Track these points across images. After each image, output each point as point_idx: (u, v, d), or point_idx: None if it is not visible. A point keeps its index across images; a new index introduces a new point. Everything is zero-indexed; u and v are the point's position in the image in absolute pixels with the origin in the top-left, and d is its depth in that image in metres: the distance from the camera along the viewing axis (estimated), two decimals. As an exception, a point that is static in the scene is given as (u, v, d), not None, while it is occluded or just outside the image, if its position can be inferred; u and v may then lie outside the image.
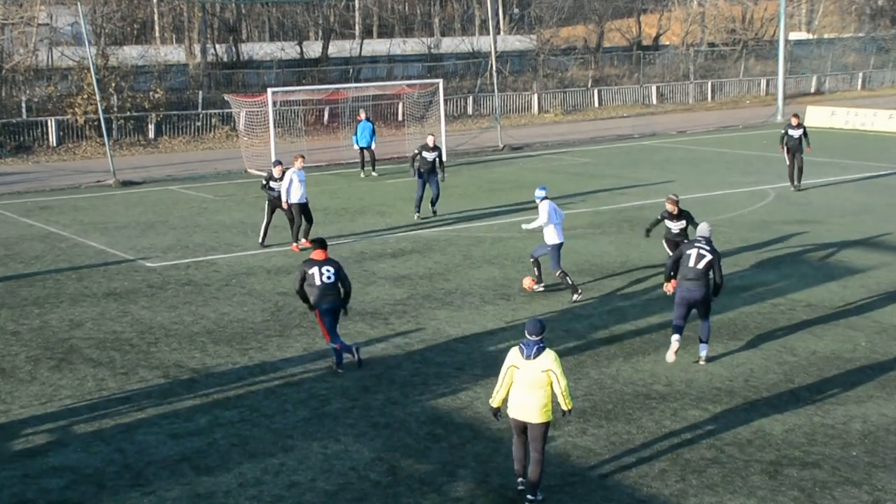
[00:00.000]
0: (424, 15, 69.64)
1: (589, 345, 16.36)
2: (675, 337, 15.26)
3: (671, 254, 16.45)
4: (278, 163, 23.90)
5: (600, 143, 44.14)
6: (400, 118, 47.53)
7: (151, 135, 45.01)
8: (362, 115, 35.24)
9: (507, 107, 53.95)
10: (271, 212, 23.79)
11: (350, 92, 42.74)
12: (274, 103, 36.88)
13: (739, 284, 19.72)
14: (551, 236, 18.97)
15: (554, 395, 11.06)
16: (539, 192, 19.31)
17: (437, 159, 26.75)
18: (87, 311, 18.70)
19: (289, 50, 56.95)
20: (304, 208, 23.43)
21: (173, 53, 55.54)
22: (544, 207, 18.99)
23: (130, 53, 49.56)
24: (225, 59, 55.22)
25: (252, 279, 20.78)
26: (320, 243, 15.71)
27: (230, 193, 32.24)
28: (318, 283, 15.21)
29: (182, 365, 15.72)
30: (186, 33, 59.10)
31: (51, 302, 19.36)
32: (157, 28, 61.27)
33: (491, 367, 15.11)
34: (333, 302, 15.27)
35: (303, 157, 24.17)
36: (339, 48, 58.39)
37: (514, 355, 11.06)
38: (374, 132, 35.02)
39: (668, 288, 16.45)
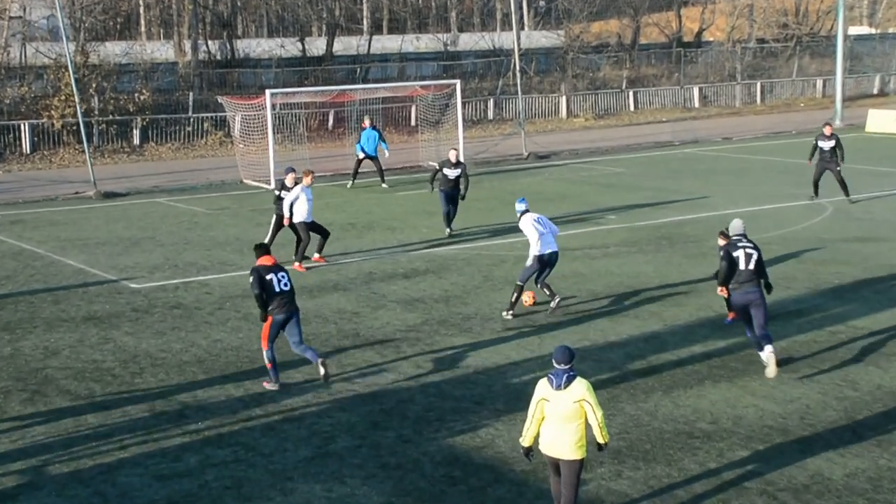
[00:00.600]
0: (440, 8, 69.85)
1: (624, 377, 16.31)
2: (769, 348, 16.06)
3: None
4: (291, 170, 24.37)
5: (636, 150, 44.10)
6: (413, 123, 47.61)
7: (136, 141, 45.20)
8: (367, 123, 35.25)
9: (531, 111, 54.01)
10: (277, 227, 24.10)
11: (357, 94, 42.80)
12: (273, 106, 36.99)
13: (793, 310, 19.64)
14: (534, 247, 19.40)
15: (588, 428, 11.18)
16: (519, 206, 19.77)
17: (461, 177, 26.65)
18: (64, 337, 18.73)
19: (289, 47, 57.17)
20: (311, 226, 23.66)
21: (161, 50, 55.82)
22: (526, 224, 19.48)
23: (113, 50, 49.80)
24: (218, 57, 55.49)
25: (248, 302, 20.78)
26: (265, 249, 16.44)
27: (224, 206, 32.32)
28: (276, 290, 15.88)
29: (170, 398, 15.72)
30: (175, 28, 59.45)
31: (23, 327, 19.40)
32: (142, 22, 61.68)
33: (514, 401, 15.07)
34: (290, 311, 15.98)
35: (313, 173, 24.20)
36: (345, 45, 58.62)
37: (542, 388, 11.19)
38: (381, 139, 35.10)
39: (724, 291, 16.74)
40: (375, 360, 17.24)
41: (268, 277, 15.88)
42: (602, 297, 20.78)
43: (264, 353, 16.00)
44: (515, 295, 19.45)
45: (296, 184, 23.82)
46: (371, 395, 15.60)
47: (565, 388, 11.02)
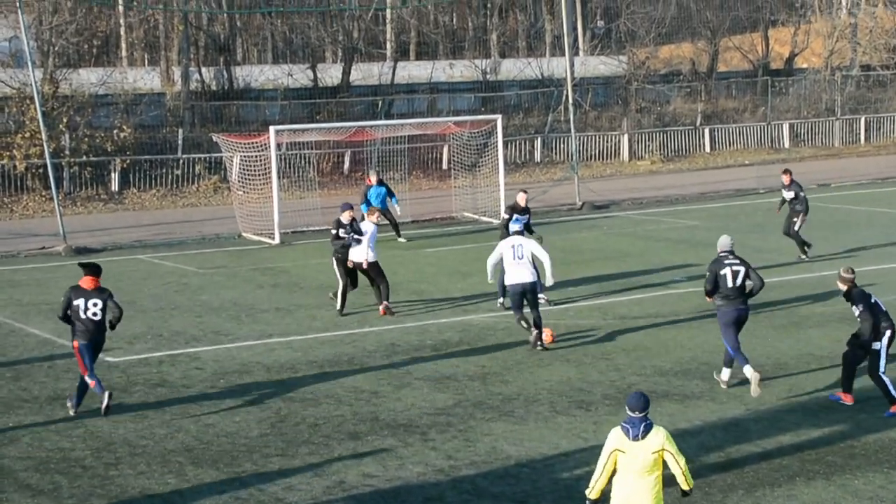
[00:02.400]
0: (478, 29, 70.32)
1: (698, 471, 16.24)
2: (748, 368, 19.17)
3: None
4: (349, 206, 26.62)
5: (712, 199, 44.11)
6: (444, 166, 47.87)
7: (115, 186, 45.57)
8: (373, 179, 35.29)
9: (587, 152, 54.17)
10: (346, 270, 25.99)
11: (379, 131, 42.91)
12: (278, 146, 37.28)
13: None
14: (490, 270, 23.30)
15: (667, 478, 12.12)
16: (512, 227, 24.00)
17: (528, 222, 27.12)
18: (26, 420, 18.83)
19: (298, 75, 57.61)
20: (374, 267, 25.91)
21: (145, 79, 56.35)
22: (501, 245, 22.93)
23: (88, 78, 50.19)
24: (214, 87, 55.93)
25: (246, 379, 20.87)
26: (93, 269, 18.71)
27: (219, 265, 32.52)
28: (81, 316, 18.38)
29: (152, 493, 15.77)
30: (163, 53, 60.03)
31: (-21, 407, 19.54)
32: (123, 46, 62.31)
33: (564, 499, 15.05)
34: (94, 339, 18.54)
35: (379, 211, 28.25)
36: (364, 73, 59.00)
37: (616, 438, 12.06)
38: (390, 194, 35.29)
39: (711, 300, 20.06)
40: (398, 449, 17.27)
41: (76, 303, 18.37)
42: (670, 374, 20.75)
43: (86, 378, 18.51)
44: (524, 323, 22.36)
45: (353, 221, 26.06)
46: (393, 492, 15.61)
47: (643, 438, 11.93)
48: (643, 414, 12.02)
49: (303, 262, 32.62)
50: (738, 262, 19.70)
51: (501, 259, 22.75)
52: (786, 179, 32.27)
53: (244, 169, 39.62)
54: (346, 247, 25.87)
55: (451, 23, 73.48)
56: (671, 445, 12.01)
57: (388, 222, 35.34)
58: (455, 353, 22.50)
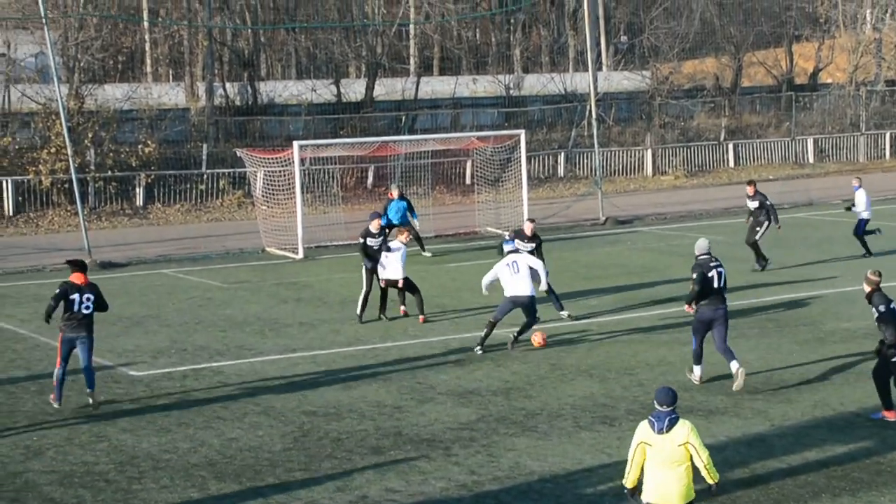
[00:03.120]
0: (501, 45, 70.34)
1: (722, 487, 16.14)
2: (698, 368, 20.84)
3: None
4: (377, 215, 27.65)
5: (736, 215, 43.95)
6: (468, 181, 47.85)
7: (139, 201, 45.71)
8: (395, 193, 35.37)
9: (610, 167, 54.12)
10: (372, 280, 26.61)
11: (402, 146, 42.94)
12: (302, 161, 37.33)
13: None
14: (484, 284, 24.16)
15: (695, 469, 12.67)
16: (506, 247, 24.42)
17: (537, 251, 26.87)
18: (49, 434, 18.87)
19: (322, 91, 57.71)
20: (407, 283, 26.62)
21: (170, 94, 56.47)
22: (497, 266, 23.83)
23: (113, 94, 50.38)
24: (238, 103, 56.05)
25: (269, 394, 20.87)
26: (81, 266, 20.04)
27: (243, 280, 32.55)
28: (75, 310, 19.60)
29: (174, 508, 15.77)
30: (187, 68, 60.25)
31: (0, 422, 19.57)
32: (148, 61, 62.53)
33: (589, 515, 14.99)
34: (81, 332, 19.67)
35: (408, 230, 28.63)
36: (388, 88, 59.06)
37: (643, 431, 12.76)
38: (411, 210, 35.32)
39: (690, 310, 21.04)
40: (421, 464, 17.23)
41: (71, 297, 19.58)
42: (694, 389, 20.68)
43: (55, 370, 19.58)
44: (486, 331, 23.51)
45: (382, 229, 27.19)
46: None
47: (668, 431, 12.63)
48: (671, 408, 12.69)
49: (326, 277, 32.64)
50: (718, 262, 20.93)
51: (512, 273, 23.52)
52: (750, 191, 32.93)
53: (268, 184, 39.67)
54: (376, 258, 26.42)
55: (475, 38, 73.51)
56: (695, 439, 12.63)
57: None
58: (478, 367, 22.47)
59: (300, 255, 35.83)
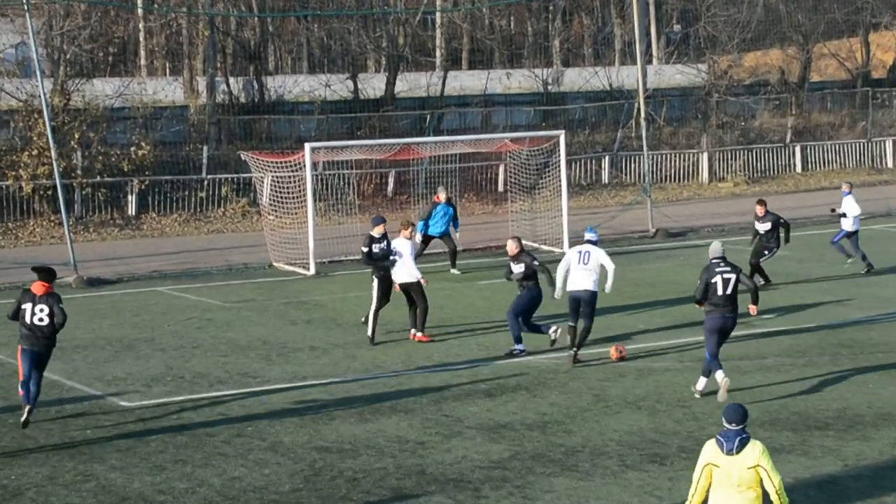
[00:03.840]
0: (538, 35, 70.40)
1: (788, 535, 16.12)
2: (721, 374, 21.48)
3: None
4: (381, 220, 27.70)
5: (804, 227, 43.92)
6: (500, 188, 47.90)
7: (132, 210, 45.83)
8: (442, 197, 35.59)
9: (661, 172, 54.09)
10: (385, 292, 27.01)
11: (426, 149, 42.95)
12: (314, 165, 37.38)
13: None
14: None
15: (766, 495, 12.96)
16: (588, 236, 25.43)
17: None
18: (30, 472, 18.89)
19: (337, 86, 57.82)
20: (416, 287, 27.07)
21: (167, 90, 56.67)
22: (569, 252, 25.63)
23: (103, 89, 50.52)
24: (243, 100, 56.22)
25: (277, 427, 20.88)
26: (44, 274, 20.73)
27: (247, 299, 32.61)
28: (27, 321, 20.27)
29: (169, 555, 15.79)
30: (187, 61, 60.35)
31: (-22, 457, 19.63)
32: (142, 53, 62.65)
33: (636, 566, 14.94)
34: (35, 346, 20.26)
35: (413, 226, 29.00)
36: (411, 84, 59.18)
37: (710, 451, 13.17)
38: (455, 218, 35.50)
39: (700, 306, 22.23)
40: (447, 507, 17.23)
41: (24, 306, 20.34)
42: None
43: (19, 383, 20.33)
44: (570, 338, 24.73)
45: (385, 235, 27.15)
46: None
47: (738, 452, 12.98)
48: (741, 427, 13.06)
49: (341, 296, 32.68)
50: (729, 269, 21.88)
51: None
52: (759, 210, 32.75)
53: (276, 191, 39.77)
54: (385, 265, 26.90)
55: (509, 28, 73.58)
56: (767, 461, 12.92)
57: (446, 250, 35.54)
58: (511, 399, 22.45)
59: (311, 270, 35.88)
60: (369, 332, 26.79)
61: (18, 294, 20.79)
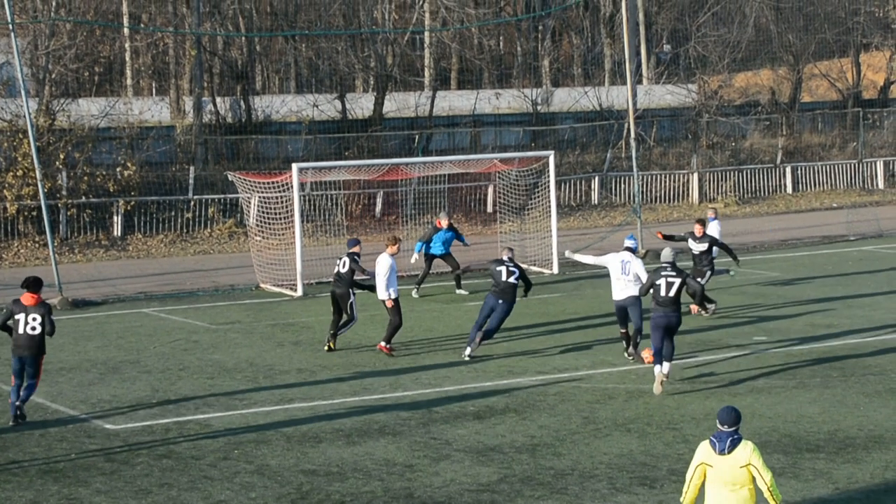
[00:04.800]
0: (528, 55, 70.52)
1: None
2: (658, 368, 23.94)
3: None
4: (357, 242, 28.94)
5: (795, 247, 43.96)
6: (489, 209, 47.89)
7: (117, 231, 45.77)
8: (443, 222, 35.66)
9: (651, 192, 54.12)
10: (338, 308, 28.30)
11: (415, 170, 42.92)
12: (302, 186, 37.37)
13: None
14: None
15: (758, 492, 13.78)
16: (628, 243, 27.23)
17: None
18: (13, 497, 18.83)
19: (325, 106, 57.84)
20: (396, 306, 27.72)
21: (153, 110, 56.68)
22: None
23: (89, 109, 50.49)
24: (230, 120, 56.23)
25: (264, 450, 20.85)
26: (32, 286, 22.13)
27: (234, 320, 32.57)
28: (20, 331, 21.70)
29: (154, 579, 15.74)
30: (173, 81, 60.40)
31: (-39, 481, 19.58)
32: (128, 73, 62.69)
33: (626, 590, 14.93)
34: (24, 353, 21.67)
35: (399, 241, 28.93)
36: (399, 104, 59.20)
37: (704, 451, 13.91)
38: (460, 237, 35.80)
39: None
40: (435, 531, 17.20)
41: (17, 316, 21.78)
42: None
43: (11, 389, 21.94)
44: (624, 343, 26.88)
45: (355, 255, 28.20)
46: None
47: (729, 452, 13.72)
48: (733, 428, 13.79)
49: (328, 318, 32.57)
50: (674, 274, 24.38)
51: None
52: (698, 230, 32.28)
53: (263, 211, 39.75)
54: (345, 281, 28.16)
55: (498, 47, 73.69)
56: (757, 460, 13.68)
57: (449, 269, 35.76)
58: (500, 421, 22.44)
59: (299, 292, 35.85)
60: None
61: (9, 304, 22.16)
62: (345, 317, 28.22)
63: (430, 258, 35.66)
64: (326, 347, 28.24)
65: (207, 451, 20.85)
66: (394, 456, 20.44)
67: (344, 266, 28.09)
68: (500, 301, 27.11)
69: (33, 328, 21.70)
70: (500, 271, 27.19)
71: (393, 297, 27.53)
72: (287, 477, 19.45)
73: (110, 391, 24.94)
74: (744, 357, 27.05)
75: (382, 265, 27.49)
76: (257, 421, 22.70)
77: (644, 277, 26.14)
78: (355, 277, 28.16)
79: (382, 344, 27.66)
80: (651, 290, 24.54)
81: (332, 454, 20.51)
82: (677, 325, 24.43)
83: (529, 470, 19.66)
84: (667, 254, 25.06)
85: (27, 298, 22.00)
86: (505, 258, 27.63)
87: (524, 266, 31.44)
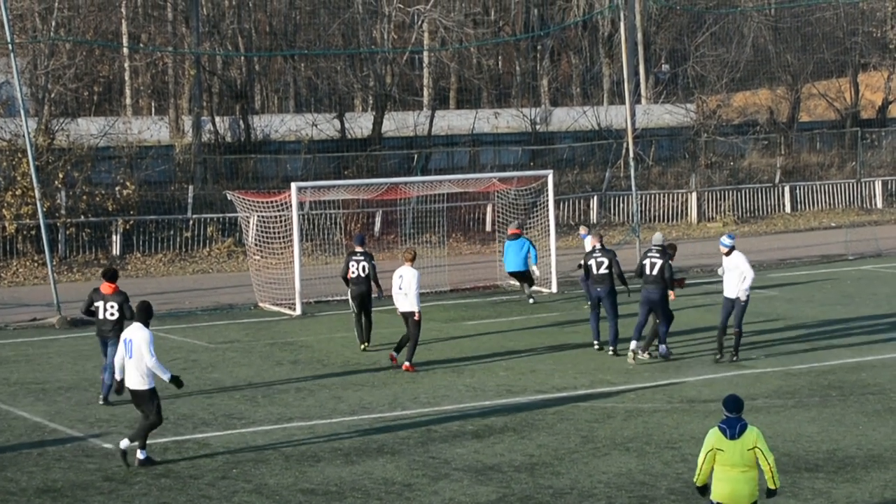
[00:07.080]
0: (527, 74, 70.59)
1: (778, 578, 16.09)
2: (634, 343, 27.85)
3: None
4: (363, 240, 30.97)
5: (793, 267, 43.97)
6: (488, 228, 47.90)
7: (116, 250, 45.76)
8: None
9: (650, 212, 54.15)
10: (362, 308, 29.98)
11: (414, 189, 42.93)
12: (300, 205, 37.36)
13: None
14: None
15: (760, 474, 15.12)
16: (727, 241, 28.47)
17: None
18: (13, 514, 18.84)
19: (324, 126, 57.90)
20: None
21: (152, 130, 56.74)
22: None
23: (88, 129, 50.51)
24: (229, 139, 56.22)
25: (263, 469, 20.82)
26: (109, 276, 24.97)
27: (233, 339, 32.55)
28: (101, 316, 24.57)
29: None
30: (172, 100, 60.49)
31: (-41, 500, 19.56)
32: (128, 93, 62.78)
33: None
34: (108, 338, 24.24)
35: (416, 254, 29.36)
36: (398, 123, 59.25)
37: (715, 438, 15.28)
38: (532, 246, 37.13)
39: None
40: (433, 550, 17.17)
41: (96, 304, 24.62)
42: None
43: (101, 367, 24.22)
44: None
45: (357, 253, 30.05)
46: None
47: (739, 437, 15.11)
48: (738, 415, 15.22)
49: (327, 336, 32.64)
50: (658, 256, 27.83)
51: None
52: (593, 241, 31.53)
53: (262, 231, 39.74)
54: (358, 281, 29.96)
55: (497, 67, 73.70)
56: (762, 443, 15.14)
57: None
58: (499, 440, 22.42)
59: (298, 311, 35.84)
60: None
61: (90, 292, 25.01)
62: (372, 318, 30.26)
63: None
64: (362, 347, 30.12)
65: (206, 471, 20.82)
66: (393, 475, 20.42)
67: (364, 270, 29.94)
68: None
69: (112, 314, 24.53)
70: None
71: (419, 310, 27.91)
72: (286, 496, 19.43)
73: (108, 410, 24.92)
74: (741, 376, 27.04)
75: (414, 279, 27.78)
76: (256, 440, 22.67)
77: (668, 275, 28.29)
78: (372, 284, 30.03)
79: (407, 364, 27.91)
80: (640, 268, 28.09)
81: (330, 473, 20.49)
82: (659, 301, 27.81)
83: (528, 489, 19.63)
84: (657, 237, 28.57)
85: (105, 287, 24.76)
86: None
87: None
